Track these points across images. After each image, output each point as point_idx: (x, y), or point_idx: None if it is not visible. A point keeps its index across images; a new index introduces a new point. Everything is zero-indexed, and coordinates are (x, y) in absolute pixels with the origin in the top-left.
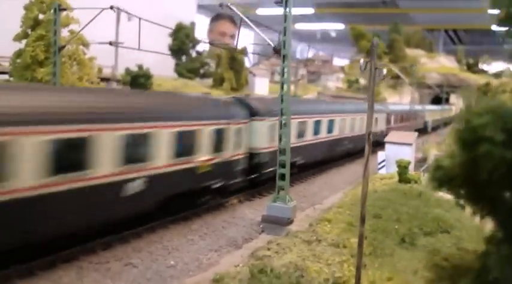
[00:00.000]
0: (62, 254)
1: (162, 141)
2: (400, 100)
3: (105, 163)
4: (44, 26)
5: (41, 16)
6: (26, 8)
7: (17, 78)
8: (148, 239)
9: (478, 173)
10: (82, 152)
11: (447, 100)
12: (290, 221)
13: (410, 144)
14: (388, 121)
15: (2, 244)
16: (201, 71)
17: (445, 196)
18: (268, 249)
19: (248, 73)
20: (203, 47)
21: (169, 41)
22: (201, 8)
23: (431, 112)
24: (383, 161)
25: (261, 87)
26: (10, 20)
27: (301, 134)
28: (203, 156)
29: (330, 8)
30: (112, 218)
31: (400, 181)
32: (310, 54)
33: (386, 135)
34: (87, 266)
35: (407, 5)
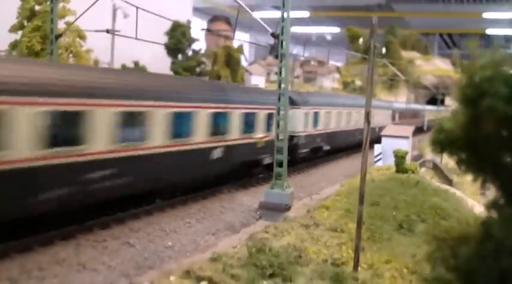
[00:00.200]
0: (60, 232)
1: (235, 119)
2: (396, 101)
3: (200, 134)
4: (41, 16)
5: (37, 7)
6: None
7: None
8: (146, 221)
9: (480, 133)
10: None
11: (442, 102)
12: (288, 208)
13: (406, 137)
14: (393, 118)
15: None
16: (197, 70)
17: (442, 186)
18: (267, 232)
19: (244, 71)
20: (199, 45)
21: (165, 39)
22: (197, 10)
23: (428, 112)
24: (379, 154)
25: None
26: (5, 12)
27: (326, 123)
28: (260, 134)
29: (326, 11)
30: (204, 176)
31: (398, 171)
32: (306, 55)
33: None
34: (85, 244)
35: (403, 9)
